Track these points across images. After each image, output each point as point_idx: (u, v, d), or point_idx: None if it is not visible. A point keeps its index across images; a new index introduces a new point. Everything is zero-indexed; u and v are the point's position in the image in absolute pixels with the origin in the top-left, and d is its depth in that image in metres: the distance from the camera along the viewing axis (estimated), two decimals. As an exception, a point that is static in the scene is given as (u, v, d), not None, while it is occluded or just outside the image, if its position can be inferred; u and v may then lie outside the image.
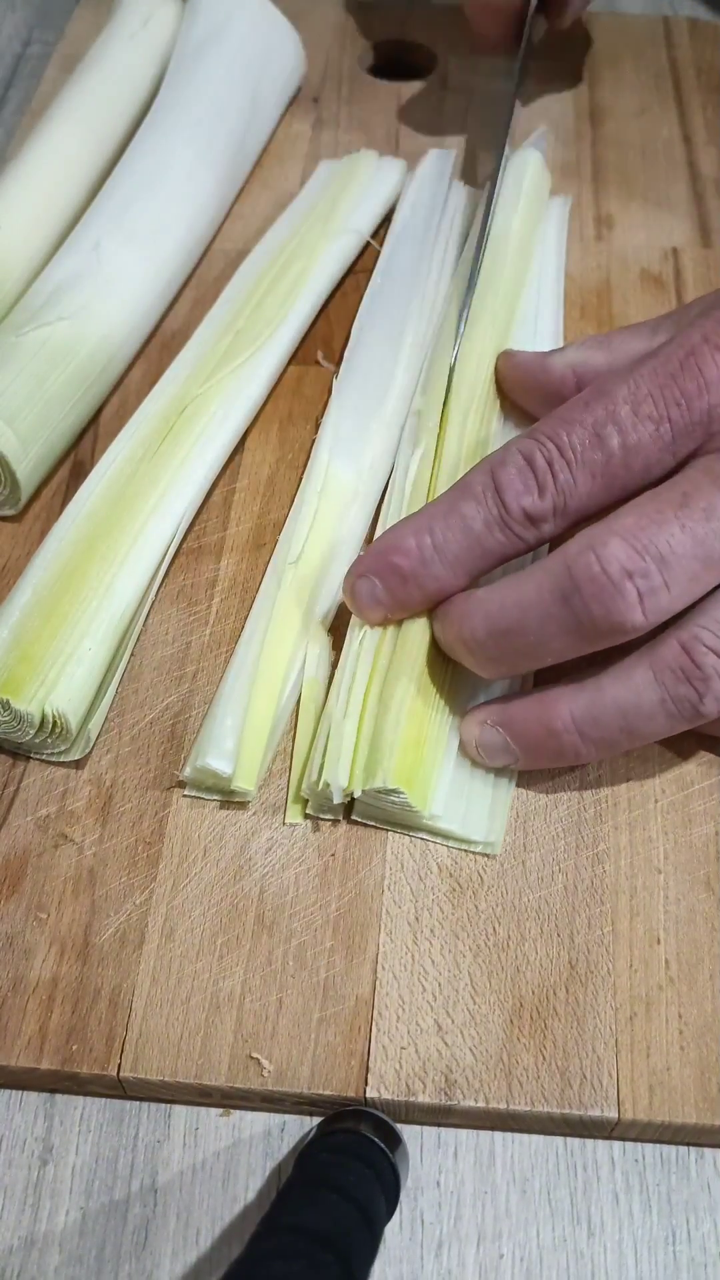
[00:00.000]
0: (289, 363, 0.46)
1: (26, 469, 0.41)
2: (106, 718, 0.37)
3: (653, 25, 0.62)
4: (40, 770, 0.36)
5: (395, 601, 0.35)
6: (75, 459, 0.44)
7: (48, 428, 0.41)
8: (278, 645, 0.37)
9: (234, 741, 0.34)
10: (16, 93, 0.61)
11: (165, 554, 0.39)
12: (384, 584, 0.35)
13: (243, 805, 0.35)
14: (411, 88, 0.58)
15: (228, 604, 0.40)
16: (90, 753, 0.36)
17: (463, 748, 0.35)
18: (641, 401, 0.33)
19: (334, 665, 0.38)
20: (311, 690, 0.37)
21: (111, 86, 0.52)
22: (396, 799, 0.33)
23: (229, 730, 0.35)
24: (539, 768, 0.35)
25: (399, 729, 0.34)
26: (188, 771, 0.35)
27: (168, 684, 0.38)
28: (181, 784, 0.36)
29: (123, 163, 0.48)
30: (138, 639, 0.38)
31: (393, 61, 0.60)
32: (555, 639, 0.32)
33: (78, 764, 0.36)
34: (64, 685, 0.35)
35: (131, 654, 0.38)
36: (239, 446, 0.44)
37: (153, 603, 0.39)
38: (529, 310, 0.46)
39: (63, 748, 0.36)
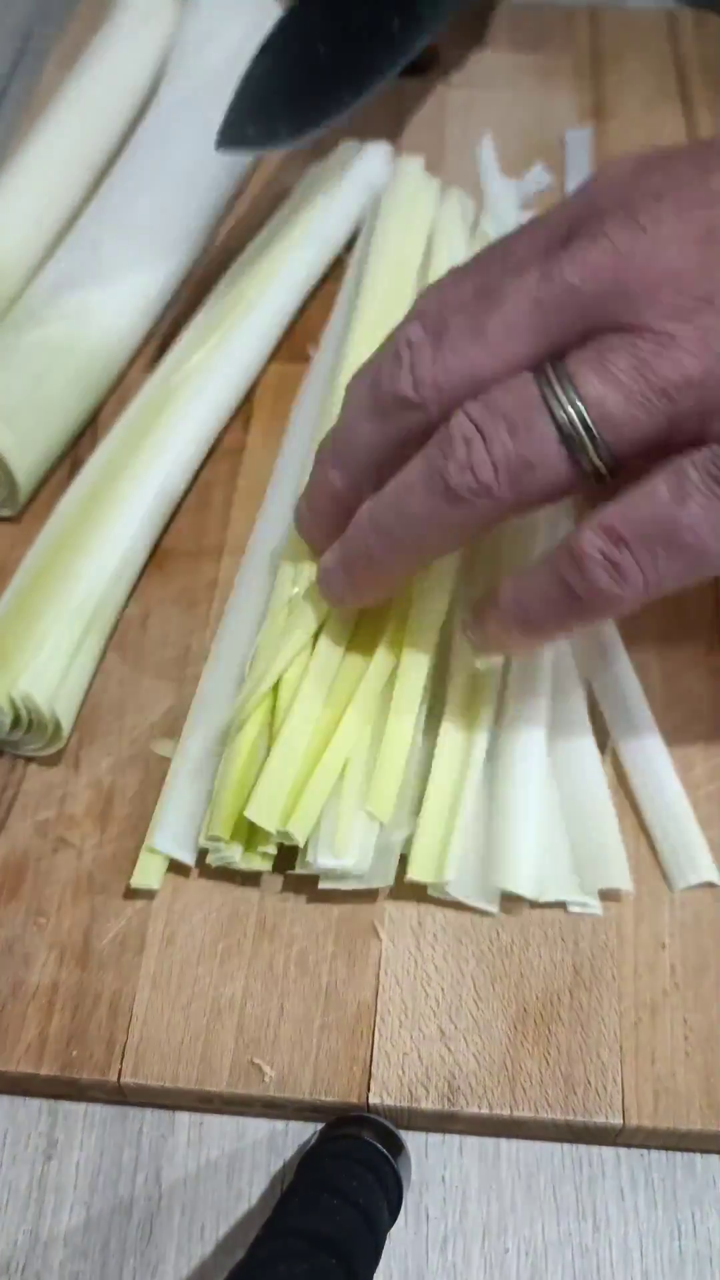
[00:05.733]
0: (272, 360, 0.46)
1: (25, 469, 0.40)
2: (106, 719, 0.37)
3: (657, 20, 0.61)
4: (39, 774, 0.36)
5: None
6: (74, 459, 0.44)
7: (46, 427, 0.41)
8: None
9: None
10: (16, 90, 0.61)
11: (135, 538, 0.38)
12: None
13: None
14: (413, 85, 0.58)
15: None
16: (87, 753, 0.36)
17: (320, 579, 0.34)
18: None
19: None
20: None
21: (111, 84, 0.51)
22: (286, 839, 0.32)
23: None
24: (358, 584, 0.33)
25: (287, 770, 0.32)
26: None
27: (168, 687, 0.37)
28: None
29: (122, 161, 0.48)
30: (115, 626, 0.38)
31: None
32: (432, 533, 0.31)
33: (76, 767, 0.36)
34: (32, 671, 0.35)
35: (109, 639, 0.38)
36: (240, 446, 0.44)
37: (132, 587, 0.39)
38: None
39: (38, 743, 0.36)
